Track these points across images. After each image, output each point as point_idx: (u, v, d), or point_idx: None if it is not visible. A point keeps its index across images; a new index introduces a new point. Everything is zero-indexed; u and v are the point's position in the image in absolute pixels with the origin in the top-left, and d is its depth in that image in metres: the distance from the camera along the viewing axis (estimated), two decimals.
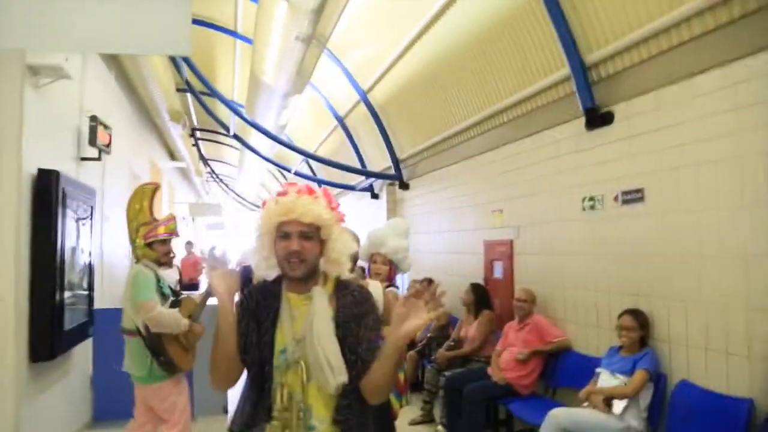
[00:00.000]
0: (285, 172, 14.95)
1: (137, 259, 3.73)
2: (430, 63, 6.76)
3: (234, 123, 10.64)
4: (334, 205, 1.90)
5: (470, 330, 5.45)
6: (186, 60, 7.49)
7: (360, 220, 11.06)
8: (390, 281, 3.89)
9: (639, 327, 3.77)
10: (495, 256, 5.91)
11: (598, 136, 4.37)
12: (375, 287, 3.03)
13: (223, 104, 9.06)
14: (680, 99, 3.63)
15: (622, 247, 4.12)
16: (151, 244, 3.70)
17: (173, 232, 3.82)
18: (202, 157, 14.98)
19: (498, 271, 5.84)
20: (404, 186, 8.68)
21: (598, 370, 3.91)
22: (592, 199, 4.43)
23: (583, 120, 4.49)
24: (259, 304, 1.86)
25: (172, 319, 3.46)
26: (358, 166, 10.29)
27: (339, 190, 12.17)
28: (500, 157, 5.86)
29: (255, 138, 10.75)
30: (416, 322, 1.65)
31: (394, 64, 7.52)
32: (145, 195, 3.83)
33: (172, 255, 3.90)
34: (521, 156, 5.47)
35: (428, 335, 6.39)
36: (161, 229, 3.75)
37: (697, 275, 3.49)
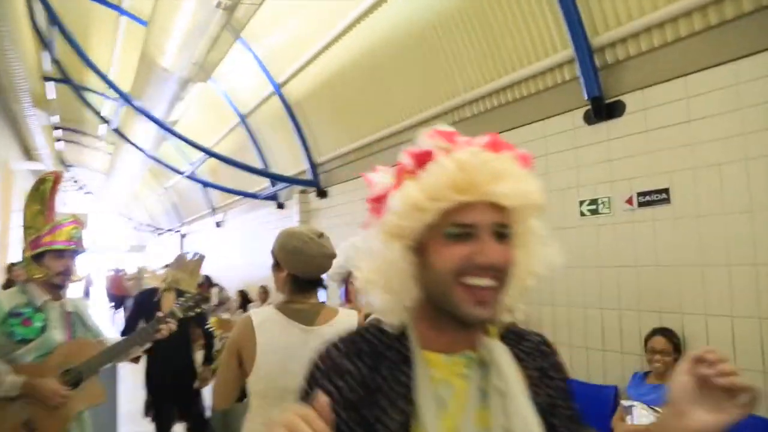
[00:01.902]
0: (167, 179, 13.28)
1: (25, 280, 2.48)
2: (366, 54, 5.96)
3: (118, 117, 8.96)
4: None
5: None
6: (60, 28, 5.95)
7: (262, 235, 9.89)
8: None
9: (674, 349, 3.22)
10: None
11: (603, 129, 3.82)
12: (350, 316, 2.11)
13: (102, 90, 7.48)
14: (720, 86, 3.16)
15: (639, 256, 3.57)
16: (41, 256, 2.47)
17: (75, 242, 2.58)
18: (62, 161, 12.74)
19: None
20: (322, 194, 7.72)
21: (627, 403, 3.28)
22: (594, 202, 3.86)
23: (580, 112, 3.94)
24: (368, 384, 0.91)
25: None
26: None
27: (236, 198, 10.87)
28: None
29: (137, 135, 9.18)
30: (719, 417, 0.83)
31: (319, 55, 6.62)
32: (45, 191, 2.59)
33: (74, 277, 2.66)
34: None
35: None
36: (60, 235, 2.52)
37: (749, 286, 3.00)
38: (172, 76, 6.92)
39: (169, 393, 4.34)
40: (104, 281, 18.09)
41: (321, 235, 2.09)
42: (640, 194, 3.56)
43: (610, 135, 3.76)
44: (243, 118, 8.91)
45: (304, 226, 2.13)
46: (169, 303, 4.52)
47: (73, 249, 2.56)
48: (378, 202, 0.97)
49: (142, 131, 9.39)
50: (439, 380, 0.91)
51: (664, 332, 3.27)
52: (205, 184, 9.29)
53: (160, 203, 16.79)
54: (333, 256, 2.10)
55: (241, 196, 9.92)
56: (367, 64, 6.05)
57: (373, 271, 0.94)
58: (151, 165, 12.11)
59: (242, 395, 4.79)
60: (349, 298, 2.92)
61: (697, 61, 3.27)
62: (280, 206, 9.12)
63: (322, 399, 0.74)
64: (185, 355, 4.33)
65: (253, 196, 9.15)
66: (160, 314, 2.78)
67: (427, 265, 0.90)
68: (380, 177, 1.02)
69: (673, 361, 3.20)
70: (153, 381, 4.39)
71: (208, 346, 4.46)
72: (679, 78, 3.36)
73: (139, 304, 4.54)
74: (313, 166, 7.69)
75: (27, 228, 2.49)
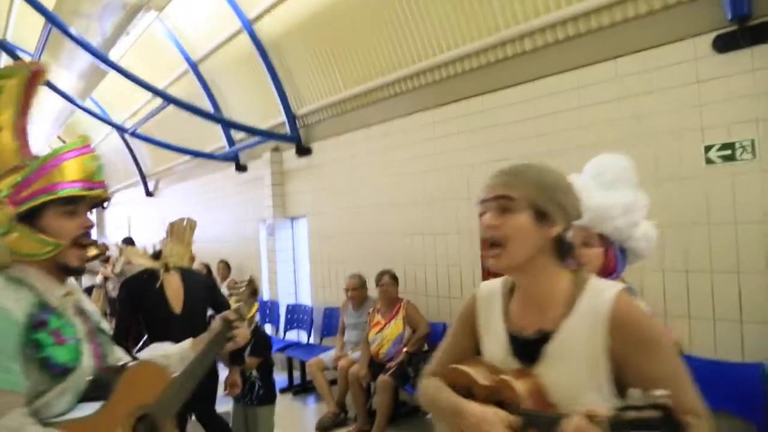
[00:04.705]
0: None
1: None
2: None
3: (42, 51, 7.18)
4: None
5: None
6: None
7: (215, 204, 8.63)
8: (611, 274, 2.02)
9: None
10: None
11: (745, 58, 3.14)
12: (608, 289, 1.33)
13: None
14: None
15: None
16: (34, 214, 1.37)
17: (95, 183, 1.46)
18: None
19: None
20: (304, 151, 6.62)
21: None
22: (729, 146, 3.21)
23: (706, 39, 3.25)
24: None
25: None
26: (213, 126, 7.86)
27: (175, 162, 9.44)
28: (521, 98, 4.32)
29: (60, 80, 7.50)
30: None
31: None
32: (15, 93, 1.41)
33: (97, 250, 1.59)
34: (561, 96, 4.04)
35: (404, 350, 4.64)
36: (69, 173, 1.40)
37: None
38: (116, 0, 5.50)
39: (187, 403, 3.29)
40: None
41: None
42: None
43: (757, 64, 3.10)
44: (194, 66, 7.51)
45: None
46: (175, 288, 3.43)
47: (97, 196, 1.48)
48: None
49: (63, 81, 7.70)
50: None
51: None
52: (155, 143, 7.77)
53: None
54: None
55: (189, 156, 8.53)
56: None
57: None
58: (66, 127, 10.31)
59: (271, 397, 3.77)
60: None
61: None
62: (241, 168, 7.89)
63: None
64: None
65: (210, 156, 7.83)
66: (227, 315, 1.77)
67: None
68: None
69: None
70: None
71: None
72: None
73: (134, 294, 3.38)
74: (292, 118, 6.56)
75: None
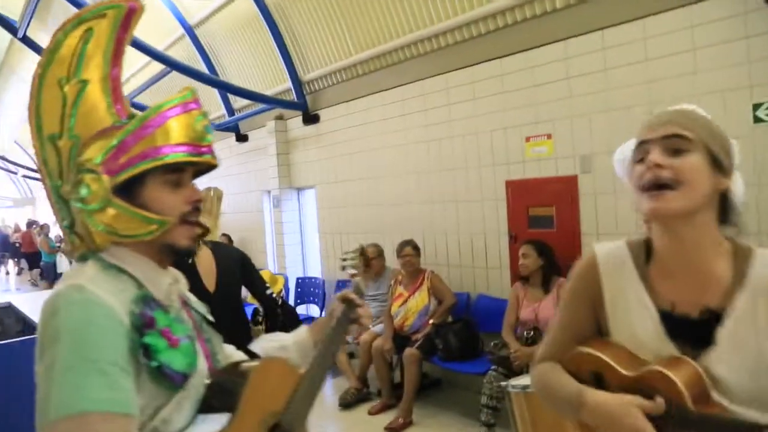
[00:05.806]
0: None
1: (84, 250, 1.14)
2: None
3: (26, 24, 6.79)
4: None
5: (543, 309, 3.77)
6: None
7: (216, 175, 8.34)
8: None
9: None
10: (536, 200, 4.28)
11: None
12: None
13: None
14: None
15: None
16: (132, 185, 1.08)
17: (203, 147, 1.16)
18: None
19: (545, 222, 4.23)
20: (311, 119, 6.38)
21: None
22: None
23: None
24: None
25: None
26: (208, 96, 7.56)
27: None
28: (545, 60, 4.15)
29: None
30: None
31: None
32: (101, 27, 1.09)
33: (201, 228, 1.31)
34: (591, 56, 3.86)
35: (430, 322, 4.53)
36: (174, 135, 1.11)
37: None
38: None
39: None
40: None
41: None
42: None
43: None
44: (190, 30, 7.17)
45: None
46: (207, 264, 3.22)
47: (206, 161, 1.18)
48: None
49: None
50: None
51: None
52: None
53: None
54: None
55: None
56: None
57: None
58: None
59: None
60: None
61: None
62: (242, 138, 7.63)
63: None
64: (243, 339, 3.11)
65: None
66: (346, 294, 1.53)
67: None
68: None
69: None
70: None
71: (271, 322, 3.24)
72: None
73: None
74: (299, 84, 6.30)
75: (45, 114, 1.09)
